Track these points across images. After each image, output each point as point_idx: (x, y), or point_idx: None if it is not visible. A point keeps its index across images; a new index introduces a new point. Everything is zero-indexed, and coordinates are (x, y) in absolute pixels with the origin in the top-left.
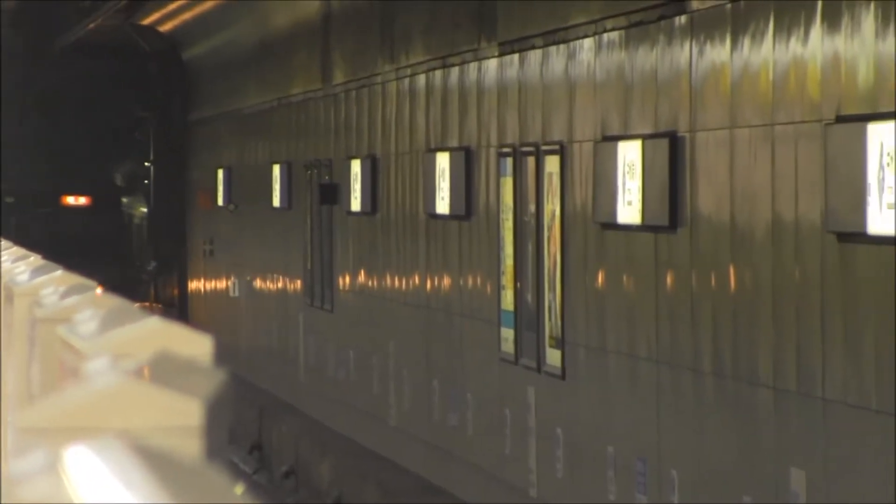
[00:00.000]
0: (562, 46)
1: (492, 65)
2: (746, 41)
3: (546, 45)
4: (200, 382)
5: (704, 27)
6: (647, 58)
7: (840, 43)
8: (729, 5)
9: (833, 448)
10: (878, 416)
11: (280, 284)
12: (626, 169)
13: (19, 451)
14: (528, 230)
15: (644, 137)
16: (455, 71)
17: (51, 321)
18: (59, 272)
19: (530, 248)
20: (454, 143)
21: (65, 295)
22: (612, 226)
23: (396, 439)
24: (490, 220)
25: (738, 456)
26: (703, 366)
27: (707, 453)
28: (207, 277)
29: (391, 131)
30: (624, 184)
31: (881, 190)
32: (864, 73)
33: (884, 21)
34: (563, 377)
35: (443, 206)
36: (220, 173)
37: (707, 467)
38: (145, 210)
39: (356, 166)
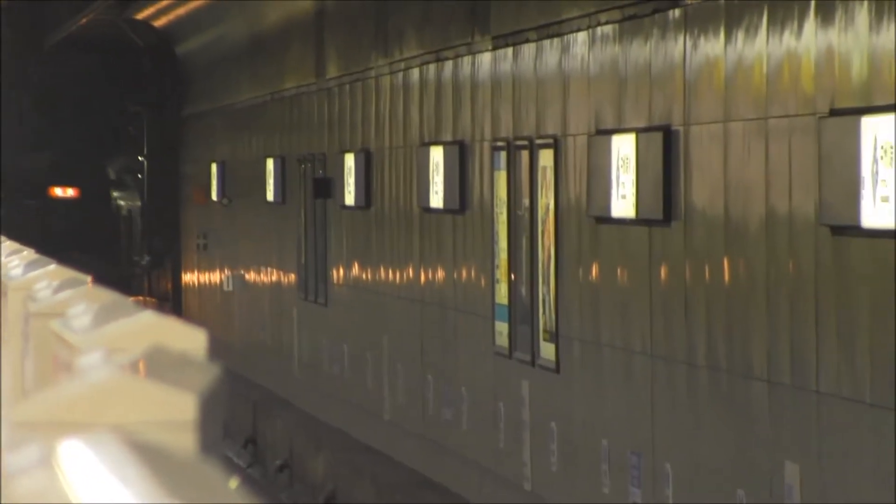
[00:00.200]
0: (556, 40)
1: (485, 59)
2: (740, 35)
3: (540, 38)
4: (194, 377)
5: (698, 20)
6: (640, 51)
7: (834, 36)
8: None
9: (827, 441)
10: (873, 409)
11: (274, 278)
12: (620, 162)
13: (13, 445)
14: (523, 224)
15: (638, 131)
16: (449, 65)
17: (44, 316)
18: (52, 266)
19: (524, 241)
20: (448, 136)
21: (58, 289)
22: (606, 219)
23: (391, 433)
24: (484, 213)
25: (733, 449)
26: (697, 359)
27: (701, 447)
28: (201, 272)
29: (385, 125)
30: (618, 177)
31: (875, 183)
32: (857, 67)
33: (877, 14)
34: (557, 371)
35: (437, 199)
36: (214, 167)
37: (701, 461)
38: (137, 203)
39: (350, 160)
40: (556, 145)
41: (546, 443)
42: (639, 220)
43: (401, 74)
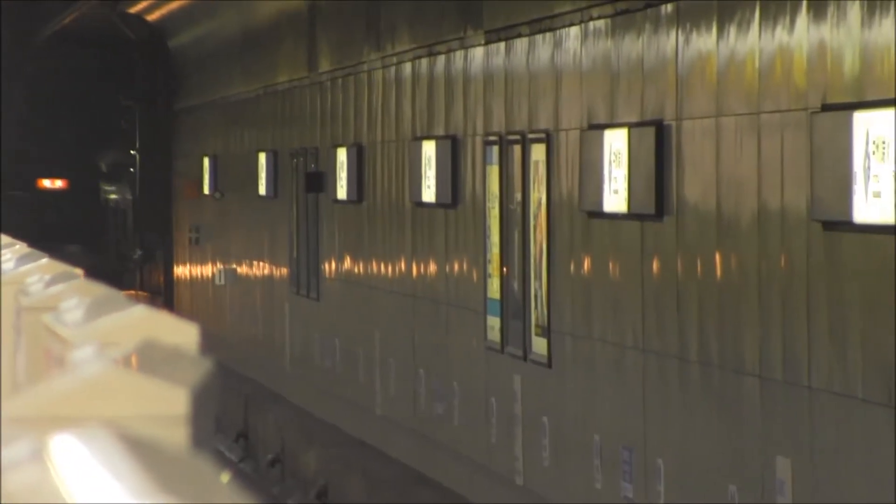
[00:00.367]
0: (548, 35)
1: (478, 53)
2: (732, 29)
3: (532, 33)
4: (186, 371)
5: (691, 15)
6: (633, 46)
7: (826, 31)
8: None
9: (819, 436)
10: (864, 404)
11: (266, 272)
12: (613, 157)
13: (5, 440)
14: (515, 218)
15: (630, 126)
16: (441, 59)
17: (36, 309)
18: (44, 260)
19: (516, 236)
20: (440, 131)
21: (50, 283)
22: (598, 214)
23: (383, 428)
24: (476, 208)
25: (725, 444)
26: (689, 354)
27: (693, 442)
28: (193, 266)
29: (377, 119)
30: (610, 172)
31: (867, 178)
32: (849, 62)
33: (869, 9)
34: (549, 366)
35: (429, 194)
36: (206, 161)
37: (693, 456)
38: (128, 196)
39: (342, 154)
40: (549, 140)
41: (538, 438)
42: (631, 215)
43: (393, 69)
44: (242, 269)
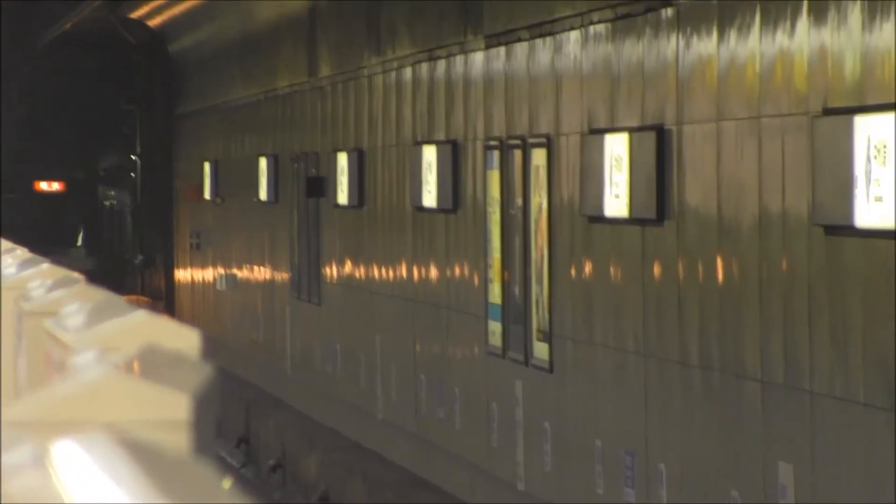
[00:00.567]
0: (548, 39)
1: (478, 58)
2: (733, 34)
3: (532, 37)
4: (188, 376)
5: (691, 20)
6: (633, 50)
7: (827, 35)
8: None
9: (821, 441)
10: (866, 409)
11: (267, 277)
12: (613, 162)
13: (6, 445)
14: (516, 223)
15: (631, 130)
16: (441, 64)
17: (38, 314)
18: (45, 265)
19: (517, 241)
20: (441, 136)
21: (52, 288)
22: (599, 219)
23: (384, 433)
24: (477, 213)
25: (726, 449)
26: (690, 359)
27: (695, 447)
28: (194, 270)
29: (378, 124)
30: (611, 177)
31: (868, 183)
32: (850, 66)
33: (870, 13)
34: (550, 370)
35: (430, 199)
36: (207, 166)
37: (695, 461)
38: (128, 201)
39: (343, 159)
40: (549, 144)
41: (540, 443)
42: (632, 220)
43: (393, 73)
44: (243, 274)
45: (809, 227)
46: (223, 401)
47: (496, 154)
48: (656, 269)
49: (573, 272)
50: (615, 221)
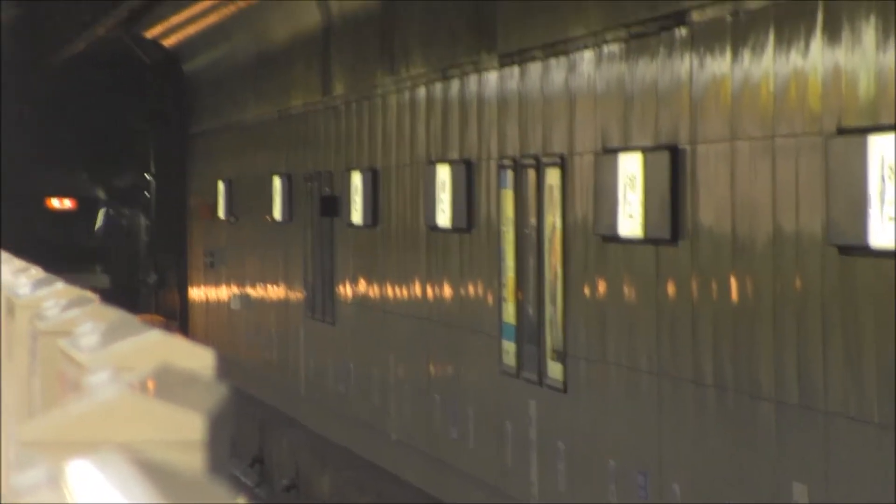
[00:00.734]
0: (562, 58)
1: (492, 77)
2: (747, 53)
3: (546, 57)
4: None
5: (705, 39)
6: (647, 70)
7: (840, 55)
8: (729, 17)
9: (835, 461)
10: (880, 429)
11: (281, 297)
12: (627, 181)
13: (21, 464)
14: (529, 243)
15: (645, 150)
16: (455, 83)
17: (52, 334)
18: (60, 285)
19: (531, 260)
20: (455, 155)
21: (66, 308)
22: (613, 238)
23: (397, 452)
24: (491, 232)
25: (740, 469)
26: (704, 378)
27: (709, 467)
28: (208, 289)
29: (392, 143)
30: (625, 196)
31: (882, 202)
32: (864, 86)
33: (884, 33)
34: (564, 390)
35: (443, 218)
36: (221, 185)
37: (709, 481)
38: (143, 220)
39: (357, 178)
40: (563, 164)
41: (554, 462)
42: (646, 239)
43: (407, 92)
44: (257, 293)
45: (823, 247)
46: (237, 420)
47: (510, 173)
48: (670, 289)
49: (587, 292)
50: (629, 241)
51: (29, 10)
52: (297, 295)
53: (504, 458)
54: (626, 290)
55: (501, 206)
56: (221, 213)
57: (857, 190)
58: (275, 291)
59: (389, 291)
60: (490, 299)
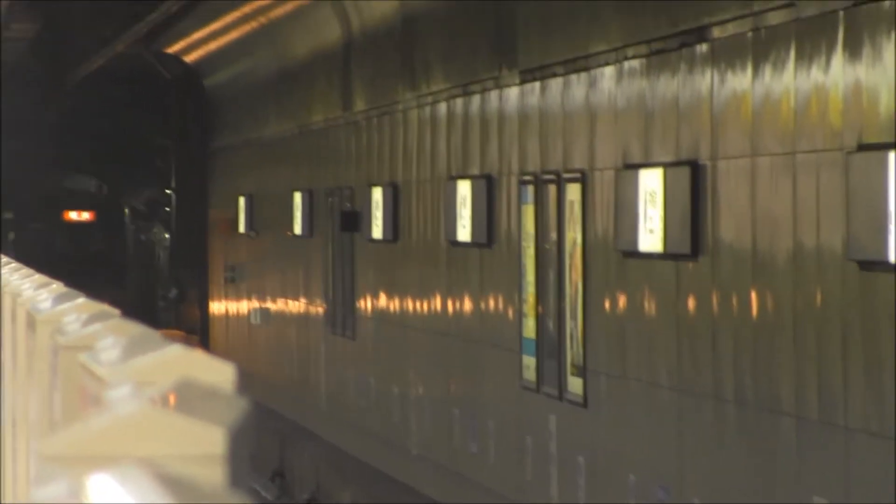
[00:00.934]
0: (583, 74)
1: (513, 93)
2: (768, 69)
3: (567, 73)
4: (222, 410)
5: (725, 55)
6: (668, 86)
7: (861, 71)
8: (750, 33)
9: (855, 477)
10: None
11: (301, 311)
12: (648, 197)
13: (42, 479)
14: (550, 258)
15: (665, 165)
16: (476, 99)
17: (73, 349)
18: (81, 299)
19: (552, 275)
20: (475, 170)
21: (87, 322)
22: (633, 254)
23: (417, 467)
24: (511, 247)
25: (761, 484)
26: (724, 393)
27: (729, 481)
28: (228, 304)
29: (412, 159)
30: (645, 212)
31: None
32: (885, 102)
33: None
34: (584, 405)
35: (464, 233)
36: (242, 200)
37: (729, 496)
38: (165, 235)
39: (377, 193)
40: (584, 179)
41: (574, 477)
42: (666, 255)
43: (428, 108)
44: (278, 308)
45: (843, 262)
46: (258, 434)
47: (531, 189)
48: (690, 304)
49: (607, 307)
50: (649, 256)
51: (50, 27)
52: (317, 310)
53: (524, 473)
54: (646, 305)
55: (522, 222)
56: (242, 228)
57: (877, 205)
58: (295, 306)
59: (410, 306)
60: (510, 314)
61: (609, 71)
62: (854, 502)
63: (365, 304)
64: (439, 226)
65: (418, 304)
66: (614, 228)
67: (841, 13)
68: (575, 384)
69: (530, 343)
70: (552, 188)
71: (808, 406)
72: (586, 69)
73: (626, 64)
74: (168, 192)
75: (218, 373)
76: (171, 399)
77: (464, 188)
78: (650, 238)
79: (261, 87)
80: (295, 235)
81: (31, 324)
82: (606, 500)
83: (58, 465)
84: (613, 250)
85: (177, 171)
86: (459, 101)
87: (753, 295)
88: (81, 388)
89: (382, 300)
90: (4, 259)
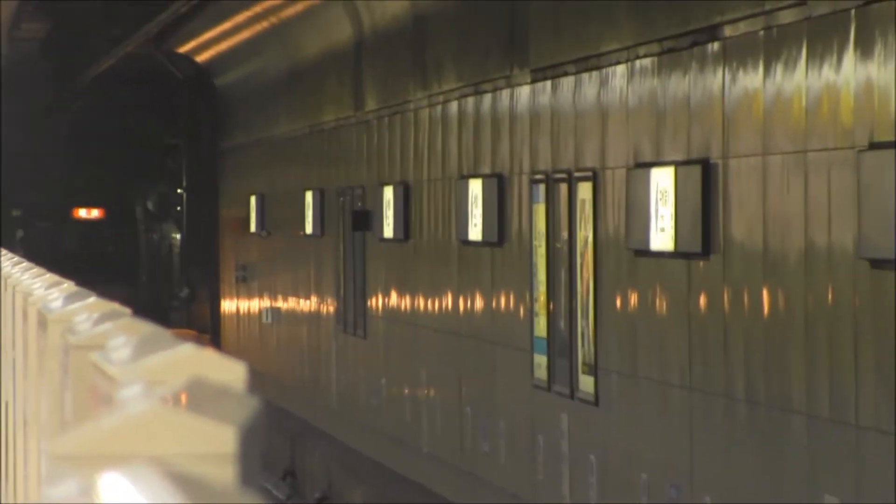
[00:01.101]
0: (594, 73)
1: (524, 91)
2: (779, 68)
3: (578, 71)
4: (234, 409)
5: (737, 54)
6: (679, 84)
7: (873, 70)
8: (761, 32)
9: (867, 475)
10: None
11: (312, 311)
12: (659, 195)
13: (53, 478)
14: (561, 257)
15: (677, 164)
16: (487, 98)
17: (84, 348)
18: (92, 299)
19: (563, 274)
20: (487, 169)
21: (98, 321)
22: (644, 252)
23: (429, 466)
24: (523, 246)
25: (772, 482)
26: (735, 392)
27: (740, 480)
28: (240, 303)
29: (424, 158)
30: (657, 210)
31: None
32: None
33: None
34: (596, 403)
35: (475, 232)
36: (253, 200)
37: (740, 494)
38: (176, 234)
39: (389, 193)
40: (595, 178)
41: (585, 476)
42: (678, 253)
43: (439, 107)
44: (289, 307)
45: (855, 261)
46: (269, 433)
47: (542, 188)
48: (702, 303)
49: (619, 305)
50: (661, 255)
51: (60, 27)
52: (328, 309)
53: (536, 472)
54: (657, 303)
55: (533, 221)
56: (253, 228)
57: (888, 204)
58: (306, 305)
59: (421, 305)
60: (522, 313)
61: (620, 70)
62: (865, 501)
63: (376, 303)
64: (450, 225)
65: (429, 303)
66: (625, 227)
67: (852, 11)
68: (586, 383)
69: (541, 342)
70: (563, 187)
71: (820, 404)
72: (598, 68)
73: (638, 63)
74: (179, 191)
75: (229, 372)
76: (183, 398)
77: (475, 187)
78: (661, 237)
79: (272, 87)
80: (306, 235)
81: (43, 323)
82: (618, 498)
83: (69, 465)
84: (625, 249)
85: (188, 171)
86: (471, 101)
87: (765, 293)
88: (92, 387)
89: (393, 299)
90: (15, 258)
